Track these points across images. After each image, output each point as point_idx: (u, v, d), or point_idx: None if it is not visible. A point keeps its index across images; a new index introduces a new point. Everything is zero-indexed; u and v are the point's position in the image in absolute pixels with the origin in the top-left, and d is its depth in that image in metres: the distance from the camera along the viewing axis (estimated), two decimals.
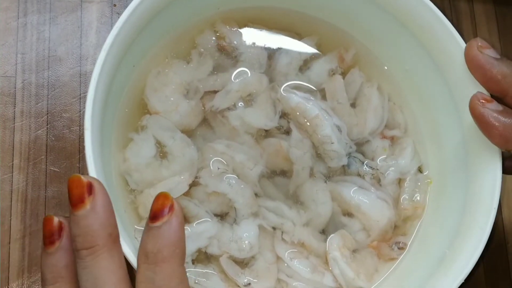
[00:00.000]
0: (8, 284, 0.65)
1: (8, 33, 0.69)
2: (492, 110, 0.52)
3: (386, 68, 0.67)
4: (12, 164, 0.67)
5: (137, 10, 0.54)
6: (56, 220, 0.46)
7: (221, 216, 0.61)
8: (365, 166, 0.64)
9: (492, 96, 0.54)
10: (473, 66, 0.55)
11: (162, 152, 0.61)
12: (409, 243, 0.63)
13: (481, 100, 0.53)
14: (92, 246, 0.44)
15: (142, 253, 0.45)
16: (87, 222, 0.44)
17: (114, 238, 0.45)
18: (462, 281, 0.53)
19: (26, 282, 0.65)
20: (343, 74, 0.67)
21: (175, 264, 0.44)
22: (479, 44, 0.54)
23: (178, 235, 0.45)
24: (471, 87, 0.56)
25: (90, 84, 0.50)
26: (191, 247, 0.58)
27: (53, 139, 0.68)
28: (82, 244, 0.44)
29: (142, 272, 0.45)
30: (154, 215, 0.45)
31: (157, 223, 0.45)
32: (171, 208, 0.45)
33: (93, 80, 0.50)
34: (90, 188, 0.44)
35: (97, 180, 0.45)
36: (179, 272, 0.45)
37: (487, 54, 0.54)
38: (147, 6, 0.55)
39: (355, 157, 0.64)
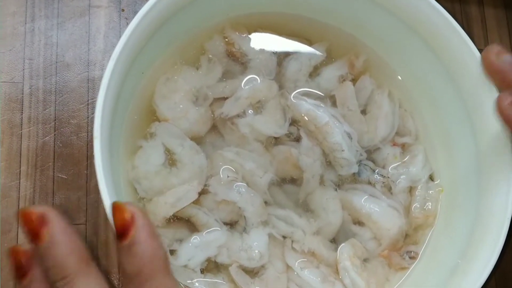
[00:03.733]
0: None
1: (16, 39, 0.69)
2: None
3: (397, 74, 0.67)
4: (20, 170, 0.66)
5: (146, 18, 0.53)
6: (22, 250, 0.44)
7: (231, 225, 0.61)
8: (376, 174, 0.64)
9: None
10: (491, 71, 0.55)
11: (171, 160, 0.61)
12: (421, 252, 0.63)
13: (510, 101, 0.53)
14: (65, 276, 0.42)
15: (124, 276, 0.43)
16: (52, 253, 0.42)
17: (86, 261, 0.43)
18: None
19: None
20: (354, 81, 0.66)
21: (160, 278, 0.43)
22: (497, 50, 0.54)
23: (152, 248, 0.43)
24: (484, 94, 0.56)
25: (99, 93, 0.49)
26: (200, 256, 0.58)
27: (61, 145, 0.67)
28: (55, 276, 0.42)
29: None
30: (119, 234, 0.43)
31: (125, 242, 0.42)
32: (132, 221, 0.42)
33: (102, 89, 0.50)
34: (42, 219, 0.42)
35: (48, 208, 0.43)
36: (166, 284, 0.43)
37: (505, 60, 0.53)
38: (156, 14, 0.55)
39: (365, 164, 0.64)
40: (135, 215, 0.43)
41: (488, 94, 0.55)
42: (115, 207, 0.43)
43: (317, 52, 0.66)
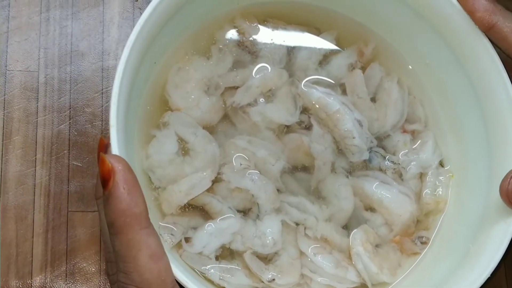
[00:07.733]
0: (31, 278, 0.65)
1: (31, 28, 0.70)
2: None
3: (406, 62, 0.67)
4: (35, 158, 0.67)
5: (159, 7, 0.54)
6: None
7: (244, 212, 0.62)
8: (387, 161, 0.64)
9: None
10: None
11: (184, 149, 0.62)
12: (432, 238, 0.63)
13: None
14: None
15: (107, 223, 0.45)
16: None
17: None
18: (488, 277, 0.53)
19: (49, 276, 0.66)
20: (363, 69, 0.67)
21: (130, 233, 0.44)
22: None
23: (125, 203, 0.44)
24: (493, 80, 0.57)
25: (115, 81, 0.50)
26: (215, 243, 0.59)
27: (76, 133, 0.68)
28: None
29: (111, 241, 0.45)
30: (102, 185, 0.44)
31: (105, 192, 0.44)
32: (111, 173, 0.44)
33: (118, 77, 0.50)
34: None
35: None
36: (136, 241, 0.44)
37: None
38: (168, 3, 0.55)
39: (376, 151, 0.64)
40: (114, 168, 0.44)
41: (497, 78, 0.56)
42: (100, 159, 0.44)
43: (326, 41, 0.67)
